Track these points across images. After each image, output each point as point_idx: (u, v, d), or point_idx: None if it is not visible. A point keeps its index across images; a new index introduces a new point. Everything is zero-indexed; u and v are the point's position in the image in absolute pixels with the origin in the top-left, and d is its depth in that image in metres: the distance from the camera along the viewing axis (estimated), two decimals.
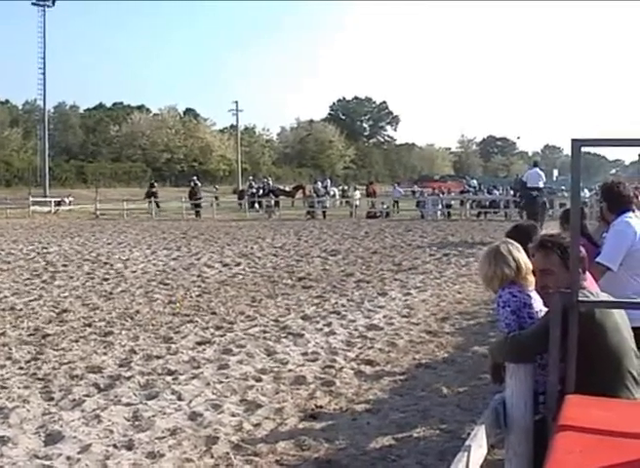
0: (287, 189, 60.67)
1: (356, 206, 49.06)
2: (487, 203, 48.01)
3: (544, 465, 3.31)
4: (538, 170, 29.53)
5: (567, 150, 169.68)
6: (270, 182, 61.77)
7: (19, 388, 8.74)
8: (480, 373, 9.14)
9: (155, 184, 59.02)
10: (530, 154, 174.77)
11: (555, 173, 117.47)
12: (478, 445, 3.67)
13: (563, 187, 66.15)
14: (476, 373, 9.30)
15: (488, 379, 8.12)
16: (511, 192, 48.97)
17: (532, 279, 4.80)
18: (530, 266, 4.82)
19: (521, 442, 4.17)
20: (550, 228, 8.15)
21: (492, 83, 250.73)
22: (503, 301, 4.65)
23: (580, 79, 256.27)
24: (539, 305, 4.70)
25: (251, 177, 71.12)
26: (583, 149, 4.13)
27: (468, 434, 6.40)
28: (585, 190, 49.90)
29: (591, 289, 4.69)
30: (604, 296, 4.67)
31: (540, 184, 29.18)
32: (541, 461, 3.61)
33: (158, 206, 52.23)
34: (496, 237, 27.60)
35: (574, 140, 4.03)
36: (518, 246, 4.91)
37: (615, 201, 7.06)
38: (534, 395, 4.26)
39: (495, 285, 4.83)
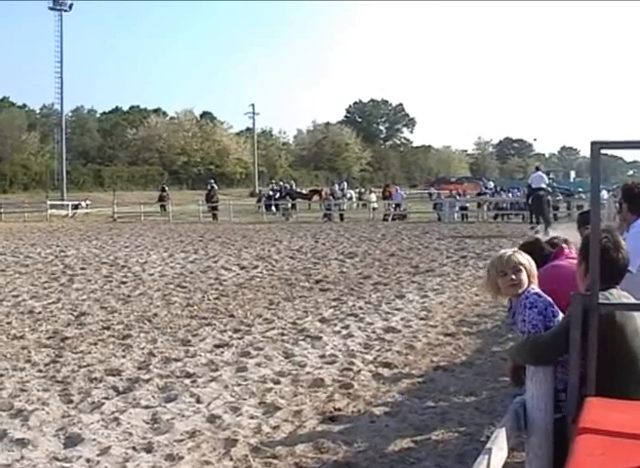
0: (304, 192, 60.85)
1: (374, 208, 48.94)
2: (504, 205, 47.84)
3: (565, 467, 3.30)
4: (540, 173, 34.18)
5: (584, 152, 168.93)
6: (293, 185, 62.05)
7: (38, 391, 8.79)
8: (499, 376, 9.12)
9: (166, 188, 59.14)
10: (547, 156, 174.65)
11: (572, 174, 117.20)
12: (499, 447, 3.67)
13: (580, 189, 65.81)
14: (495, 376, 9.28)
15: (506, 382, 8.13)
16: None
17: (535, 282, 4.85)
18: (534, 271, 4.87)
19: (541, 444, 4.17)
20: (568, 229, 8.12)
21: (508, 85, 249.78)
22: (530, 302, 4.66)
23: (598, 81, 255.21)
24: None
25: (274, 181, 70.97)
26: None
27: (487, 437, 6.43)
28: (604, 192, 49.71)
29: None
30: (626, 300, 4.64)
31: (543, 185, 32.89)
32: (561, 461, 3.61)
33: (165, 209, 52.35)
34: (513, 239, 27.58)
35: (593, 143, 4.01)
36: (520, 252, 4.97)
37: (636, 202, 7.04)
38: (553, 395, 4.26)
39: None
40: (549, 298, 4.78)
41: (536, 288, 4.84)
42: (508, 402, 6.49)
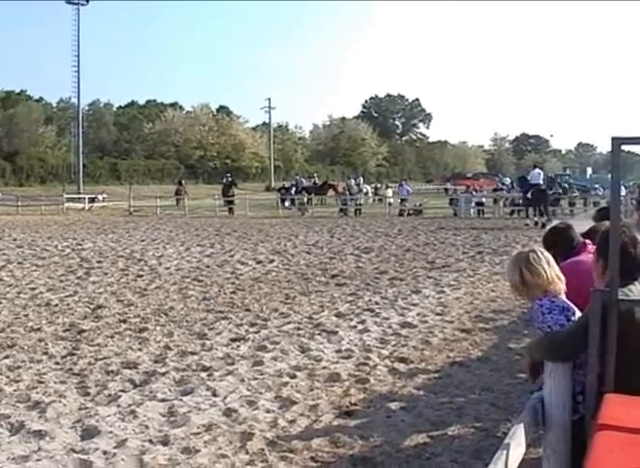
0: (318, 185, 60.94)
1: (390, 204, 48.80)
2: (520, 201, 47.62)
3: (584, 463, 3.29)
4: (538, 170, 37.97)
5: (600, 148, 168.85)
6: (316, 180, 62.38)
7: (55, 383, 8.81)
8: (515, 372, 9.11)
9: (183, 182, 59.22)
10: (563, 152, 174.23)
11: (589, 170, 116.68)
12: (517, 443, 3.66)
13: (597, 185, 65.54)
14: (511, 372, 9.25)
15: (523, 378, 8.13)
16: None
17: (561, 286, 4.78)
18: (557, 274, 4.80)
19: (559, 440, 4.15)
20: (584, 226, 8.09)
21: (525, 80, 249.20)
22: (547, 308, 4.63)
23: (615, 77, 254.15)
24: (573, 308, 4.69)
25: (297, 176, 71.15)
26: None
27: (503, 432, 6.43)
28: (622, 188, 49.46)
29: None
30: None
31: (540, 181, 37.11)
32: (579, 460, 3.60)
33: (178, 202, 52.46)
34: (529, 235, 27.52)
35: (614, 138, 4.00)
36: (548, 255, 4.89)
37: None
38: (572, 395, 4.24)
39: (522, 292, 4.84)
40: (563, 301, 4.73)
41: (548, 294, 4.77)
42: (525, 398, 6.49)
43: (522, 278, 4.77)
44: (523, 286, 4.80)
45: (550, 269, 4.77)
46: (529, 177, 37.94)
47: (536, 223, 35.17)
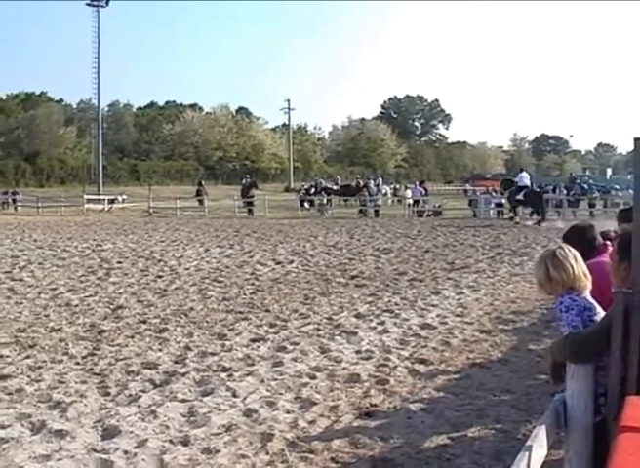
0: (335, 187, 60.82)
1: (409, 204, 48.74)
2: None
3: (607, 466, 3.28)
4: (525, 172, 41.74)
5: (620, 148, 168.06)
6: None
7: (76, 383, 8.84)
8: (535, 373, 9.08)
9: (203, 183, 59.30)
10: (583, 153, 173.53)
11: (609, 171, 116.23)
12: (539, 445, 3.65)
13: (617, 186, 65.13)
14: (531, 373, 9.22)
15: (542, 379, 8.10)
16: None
17: (587, 283, 4.76)
18: (584, 270, 4.78)
19: (581, 442, 4.14)
20: (603, 227, 8.03)
21: (545, 81, 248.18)
22: (565, 306, 4.62)
23: (635, 76, 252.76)
24: (597, 308, 4.67)
25: (317, 177, 71.58)
26: None
27: (524, 434, 6.42)
28: None
29: None
30: None
31: (528, 183, 40.12)
32: (602, 462, 3.58)
33: (201, 203, 52.58)
34: (549, 236, 27.42)
35: (636, 139, 3.99)
36: (575, 252, 4.87)
37: None
38: (594, 396, 4.22)
39: (548, 288, 4.82)
40: (588, 303, 4.71)
41: (573, 291, 4.75)
42: (545, 399, 6.47)
43: (547, 273, 4.76)
44: (548, 282, 4.79)
45: (577, 265, 4.76)
46: (516, 180, 40.71)
47: (517, 223, 37.84)
